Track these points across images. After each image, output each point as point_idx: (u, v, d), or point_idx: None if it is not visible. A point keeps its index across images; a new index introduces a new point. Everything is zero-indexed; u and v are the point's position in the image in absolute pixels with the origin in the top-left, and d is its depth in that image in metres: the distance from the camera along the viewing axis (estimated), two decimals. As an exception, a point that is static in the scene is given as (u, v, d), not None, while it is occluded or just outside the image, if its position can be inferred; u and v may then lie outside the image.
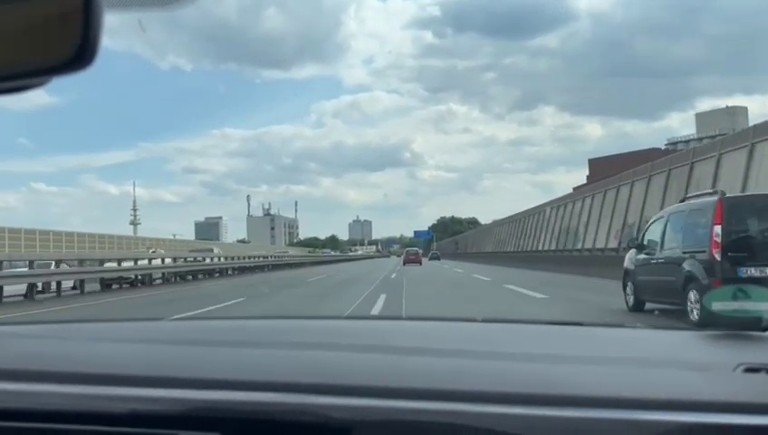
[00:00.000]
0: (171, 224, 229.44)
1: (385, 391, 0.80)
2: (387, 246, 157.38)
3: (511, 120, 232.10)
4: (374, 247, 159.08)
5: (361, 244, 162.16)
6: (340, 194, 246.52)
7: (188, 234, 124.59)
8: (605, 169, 36.76)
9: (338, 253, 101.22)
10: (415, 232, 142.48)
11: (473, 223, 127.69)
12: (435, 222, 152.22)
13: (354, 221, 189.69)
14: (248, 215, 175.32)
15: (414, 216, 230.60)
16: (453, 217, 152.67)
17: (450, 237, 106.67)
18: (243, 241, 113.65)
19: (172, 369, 0.90)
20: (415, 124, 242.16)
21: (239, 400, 0.81)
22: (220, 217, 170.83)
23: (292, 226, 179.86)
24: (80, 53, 0.67)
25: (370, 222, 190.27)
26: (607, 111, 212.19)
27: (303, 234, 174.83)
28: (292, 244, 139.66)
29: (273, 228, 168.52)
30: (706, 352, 1.06)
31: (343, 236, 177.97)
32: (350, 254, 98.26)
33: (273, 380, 0.84)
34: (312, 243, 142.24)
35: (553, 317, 8.28)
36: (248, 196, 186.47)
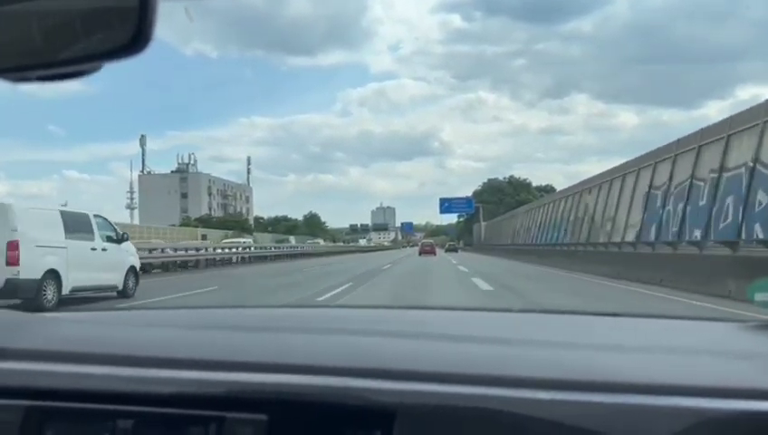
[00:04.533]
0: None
1: (427, 376, 0.84)
2: (405, 231, 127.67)
3: (542, 109, 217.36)
4: (393, 235, 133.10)
5: (364, 230, 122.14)
6: (368, 183, 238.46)
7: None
8: None
9: (316, 242, 67.20)
10: (443, 201, 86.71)
11: (545, 190, 76.77)
12: (479, 187, 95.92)
13: (377, 208, 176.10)
14: (141, 172, 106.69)
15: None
16: (511, 177, 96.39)
17: (509, 211, 58.96)
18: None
19: (220, 353, 0.94)
20: (443, 113, 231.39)
21: (285, 382, 0.85)
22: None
23: (229, 194, 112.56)
24: (135, 38, 0.70)
25: (393, 209, 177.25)
26: (643, 100, 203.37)
27: (267, 210, 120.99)
28: (221, 222, 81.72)
29: (185, 195, 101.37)
30: (751, 342, 1.06)
31: (366, 222, 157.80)
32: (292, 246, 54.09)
33: (319, 364, 0.88)
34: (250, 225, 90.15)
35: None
36: (142, 136, 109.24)
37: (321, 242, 64.02)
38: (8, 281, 10.08)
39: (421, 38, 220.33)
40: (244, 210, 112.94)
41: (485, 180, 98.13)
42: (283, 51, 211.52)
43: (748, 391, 0.77)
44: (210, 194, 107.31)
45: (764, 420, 0.75)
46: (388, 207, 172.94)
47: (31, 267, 10.36)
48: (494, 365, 0.86)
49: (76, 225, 11.91)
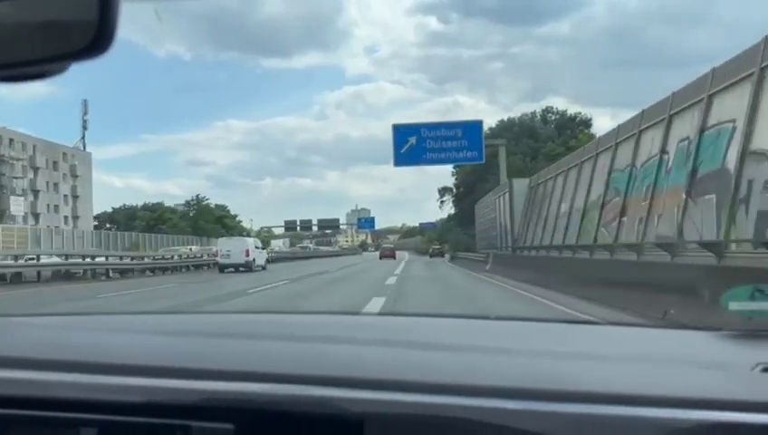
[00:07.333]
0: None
1: (397, 385, 0.83)
2: (364, 230, 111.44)
3: (519, 112, 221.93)
4: (358, 237, 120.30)
5: (306, 228, 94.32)
6: (346, 187, 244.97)
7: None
8: None
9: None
10: (400, 134, 32.91)
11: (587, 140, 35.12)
12: (490, 130, 54.72)
13: (352, 211, 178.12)
14: None
15: (421, 210, 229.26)
16: (548, 109, 64.74)
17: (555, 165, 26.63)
18: None
19: (186, 360, 0.94)
20: (420, 116, 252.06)
21: (252, 391, 0.84)
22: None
23: (9, 158, 56.27)
24: (97, 38, 0.70)
25: (369, 210, 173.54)
26: (619, 103, 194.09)
27: (245, 215, 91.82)
28: None
29: None
30: (724, 352, 1.07)
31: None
32: None
33: (286, 372, 0.88)
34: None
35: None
36: None
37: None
38: (245, 261, 33.86)
39: (397, 40, 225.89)
40: (64, 189, 65.67)
41: (500, 120, 63.11)
42: (257, 53, 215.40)
43: (720, 403, 0.77)
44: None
45: (736, 431, 0.74)
46: (362, 209, 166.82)
47: (251, 257, 34.43)
48: (464, 374, 0.85)
49: (256, 243, 38.26)
